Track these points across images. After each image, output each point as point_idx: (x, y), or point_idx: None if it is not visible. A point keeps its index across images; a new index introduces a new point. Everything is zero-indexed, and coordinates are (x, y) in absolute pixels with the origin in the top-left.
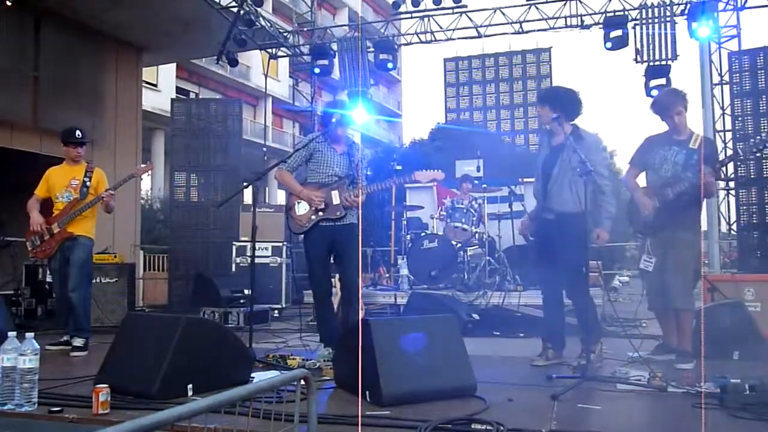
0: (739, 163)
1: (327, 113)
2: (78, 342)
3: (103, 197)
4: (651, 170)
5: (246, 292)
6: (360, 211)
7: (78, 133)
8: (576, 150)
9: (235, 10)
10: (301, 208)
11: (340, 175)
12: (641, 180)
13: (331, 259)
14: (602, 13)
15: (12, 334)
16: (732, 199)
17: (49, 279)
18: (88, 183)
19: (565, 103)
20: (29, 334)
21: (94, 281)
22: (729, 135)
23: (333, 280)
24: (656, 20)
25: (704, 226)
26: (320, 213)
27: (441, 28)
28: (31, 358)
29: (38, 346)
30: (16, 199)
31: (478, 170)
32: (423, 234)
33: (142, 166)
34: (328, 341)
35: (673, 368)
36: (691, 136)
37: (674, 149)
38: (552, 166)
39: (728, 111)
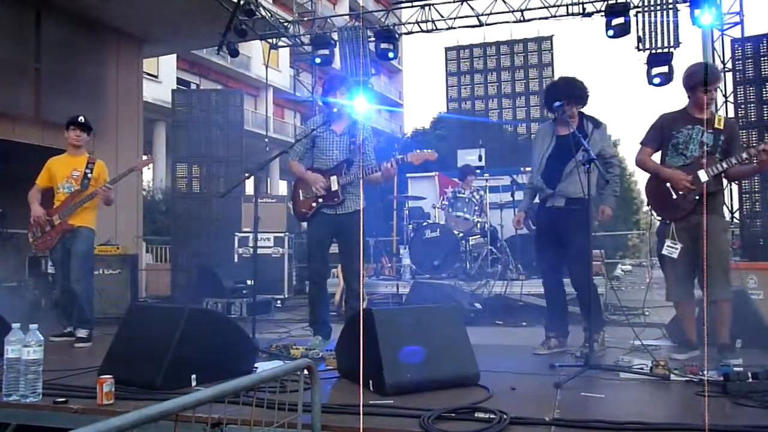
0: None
1: (326, 88)
2: (81, 333)
3: (99, 193)
4: (672, 149)
5: (248, 282)
6: (362, 193)
7: (81, 118)
8: (579, 138)
9: (235, 0)
10: (304, 195)
11: (339, 158)
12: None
13: (334, 248)
14: (604, 1)
15: (16, 325)
16: (735, 187)
17: (51, 270)
18: (89, 174)
19: (572, 91)
20: (33, 326)
21: (96, 273)
22: None
23: (335, 270)
24: (658, 7)
25: None
26: (320, 200)
27: (442, 16)
28: (35, 349)
29: (42, 338)
30: (18, 191)
31: (480, 159)
32: (425, 224)
33: (143, 158)
34: (318, 329)
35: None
36: (713, 115)
37: (698, 128)
38: (566, 156)
39: (731, 98)
